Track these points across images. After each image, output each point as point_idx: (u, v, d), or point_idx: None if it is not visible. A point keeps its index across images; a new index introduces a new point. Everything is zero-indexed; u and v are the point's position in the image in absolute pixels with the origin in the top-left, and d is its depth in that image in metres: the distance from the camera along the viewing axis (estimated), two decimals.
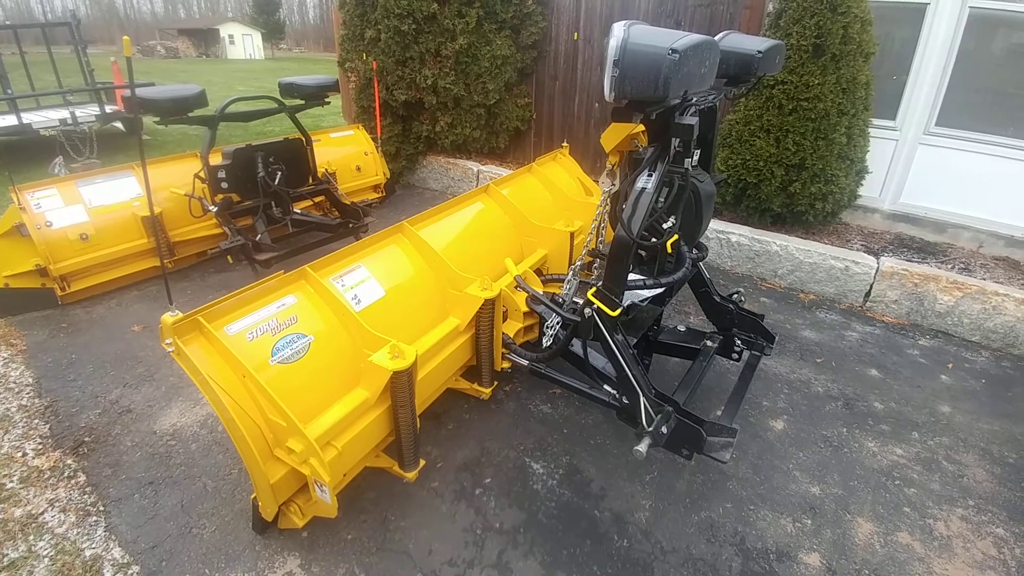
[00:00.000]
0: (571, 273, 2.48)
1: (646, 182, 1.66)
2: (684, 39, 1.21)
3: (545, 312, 2.51)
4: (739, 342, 2.53)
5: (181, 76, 19.09)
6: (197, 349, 1.58)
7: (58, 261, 3.14)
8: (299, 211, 4.28)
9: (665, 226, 2.10)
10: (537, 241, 3.07)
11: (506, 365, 2.50)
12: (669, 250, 2.09)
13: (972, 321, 3.23)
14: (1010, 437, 2.46)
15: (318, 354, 1.85)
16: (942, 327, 3.37)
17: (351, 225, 4.19)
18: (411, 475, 1.98)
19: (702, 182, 2.09)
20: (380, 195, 5.47)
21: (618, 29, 1.24)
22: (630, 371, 1.84)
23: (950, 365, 3.02)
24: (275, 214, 3.97)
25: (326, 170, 4.52)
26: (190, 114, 3.37)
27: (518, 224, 3.09)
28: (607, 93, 1.30)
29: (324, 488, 1.56)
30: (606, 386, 2.17)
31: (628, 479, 2.19)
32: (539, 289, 2.64)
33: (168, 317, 1.52)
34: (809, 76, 3.59)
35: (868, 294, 3.62)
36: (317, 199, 4.53)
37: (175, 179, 3.79)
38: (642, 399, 1.82)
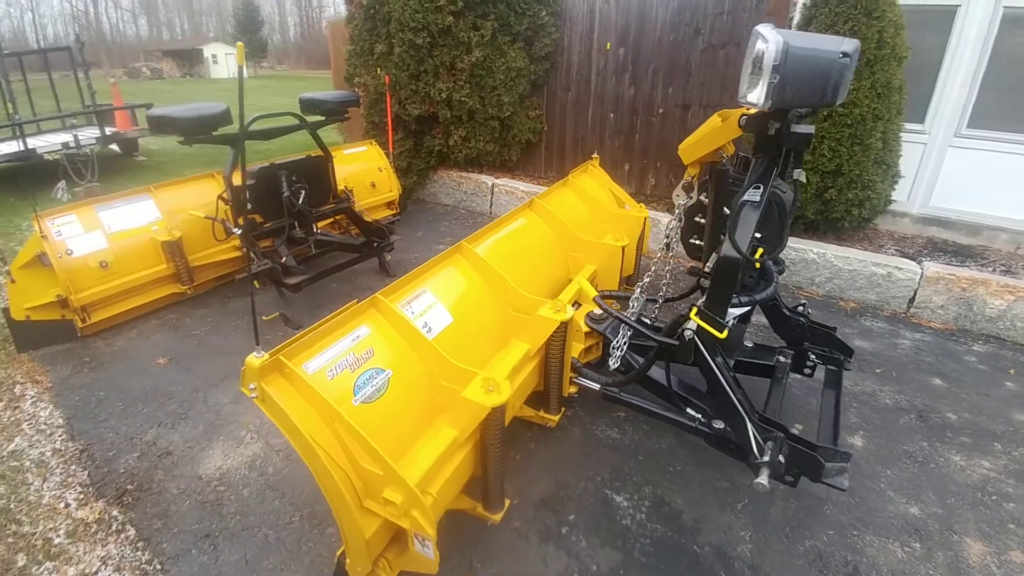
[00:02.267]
0: (638, 290, 2.37)
1: (754, 195, 1.56)
2: (847, 43, 1.12)
3: (611, 332, 2.40)
4: (812, 357, 2.43)
5: (168, 96, 18.82)
6: (279, 392, 1.42)
7: (79, 291, 2.96)
8: (321, 231, 4.13)
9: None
10: (585, 256, 2.96)
11: (573, 390, 2.37)
12: (756, 265, 1.99)
13: None
14: None
15: (398, 389, 1.70)
16: (993, 332, 3.32)
17: (376, 244, 4.05)
18: (496, 517, 1.84)
19: (784, 192, 2.00)
20: (395, 211, 5.33)
21: (770, 33, 1.14)
22: (734, 396, 1.72)
23: (1012, 371, 2.96)
24: (298, 235, 3.82)
25: (345, 187, 4.38)
26: (214, 133, 3.22)
27: (564, 239, 2.98)
28: (760, 101, 1.19)
29: (427, 543, 1.41)
30: (689, 410, 2.05)
31: (719, 508, 2.06)
32: (596, 308, 2.52)
33: (255, 360, 1.37)
34: None
35: (912, 300, 3.57)
36: (334, 219, 4.40)
37: (192, 201, 3.63)
38: (749, 426, 1.70)
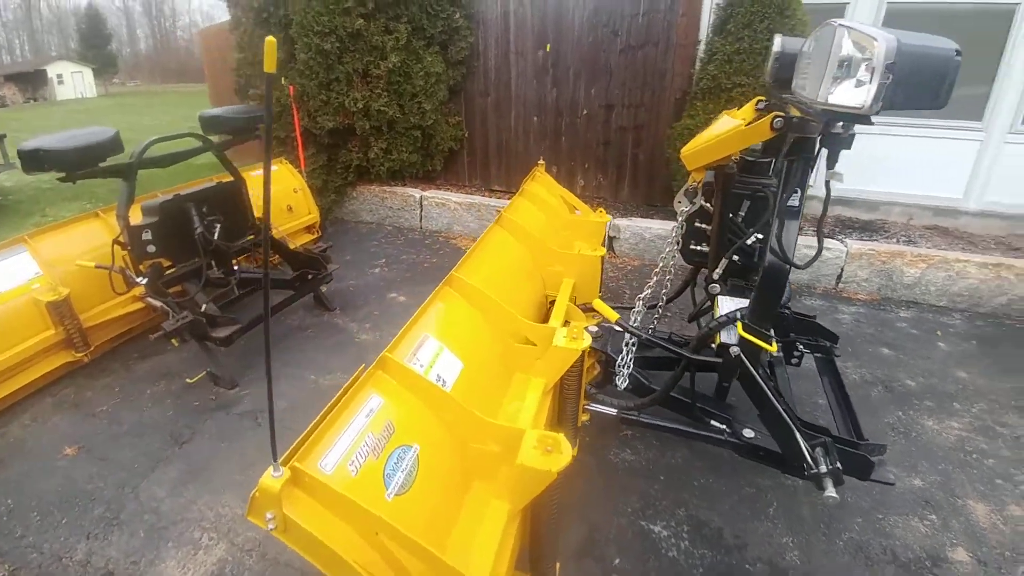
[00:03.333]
0: (639, 304, 2.26)
1: (794, 200, 1.50)
2: (947, 40, 1.06)
3: (613, 349, 2.26)
4: (800, 346, 2.50)
5: (15, 126, 15.60)
6: (305, 514, 1.07)
7: None
8: (242, 267, 3.55)
9: (749, 241, 1.99)
10: (563, 270, 2.81)
11: (585, 418, 2.20)
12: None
13: (938, 288, 3.61)
14: None
15: (429, 466, 1.40)
16: (911, 297, 3.73)
17: (312, 276, 3.56)
18: None
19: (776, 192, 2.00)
20: (316, 235, 4.80)
21: (876, 30, 1.04)
22: (781, 407, 1.66)
23: (939, 332, 3.33)
24: (216, 276, 3.22)
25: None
26: (102, 164, 2.60)
27: (537, 255, 2.80)
28: (867, 103, 1.09)
29: None
30: (714, 422, 1.98)
31: (753, 517, 2.01)
32: (590, 323, 2.38)
33: (273, 481, 1.01)
34: (761, 79, 3.79)
35: (840, 276, 3.90)
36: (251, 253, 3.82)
37: (77, 249, 2.97)
38: (799, 437, 1.65)
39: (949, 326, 3.40)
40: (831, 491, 1.55)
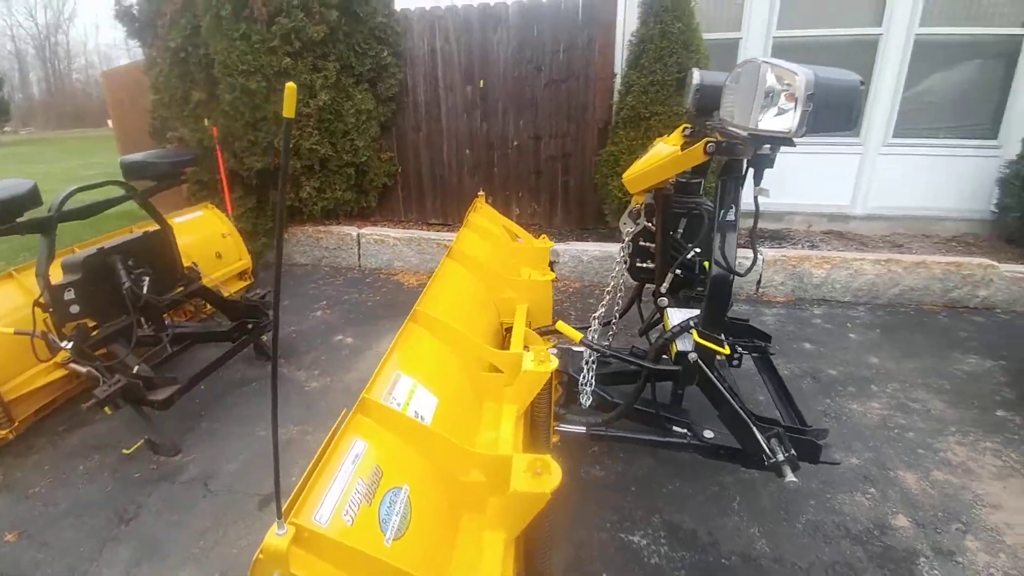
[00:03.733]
0: (595, 322, 2.37)
1: (729, 215, 1.67)
2: (852, 73, 1.26)
3: (574, 369, 2.34)
4: (739, 349, 2.71)
5: None
6: (306, 570, 1.02)
7: None
8: (176, 323, 3.29)
9: (689, 256, 2.17)
10: (516, 296, 2.88)
11: (555, 439, 2.23)
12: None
13: (842, 285, 4.07)
14: (930, 369, 3.13)
15: (421, 506, 1.37)
16: (820, 295, 4.16)
17: (252, 326, 3.37)
18: None
19: (709, 209, 2.21)
20: (249, 282, 4.56)
21: (796, 66, 1.22)
22: (737, 405, 1.80)
23: (849, 324, 3.73)
24: (147, 333, 2.97)
25: (194, 264, 3.59)
26: (19, 219, 2.35)
27: (490, 284, 2.86)
28: (793, 128, 1.26)
29: None
30: (675, 428, 2.10)
31: (721, 514, 2.13)
32: (548, 346, 2.46)
33: (278, 539, 0.95)
34: (676, 107, 4.17)
35: (759, 282, 4.29)
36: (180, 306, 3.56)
37: None
38: (756, 432, 1.79)
39: (856, 318, 3.83)
40: (791, 476, 1.69)
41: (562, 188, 5.42)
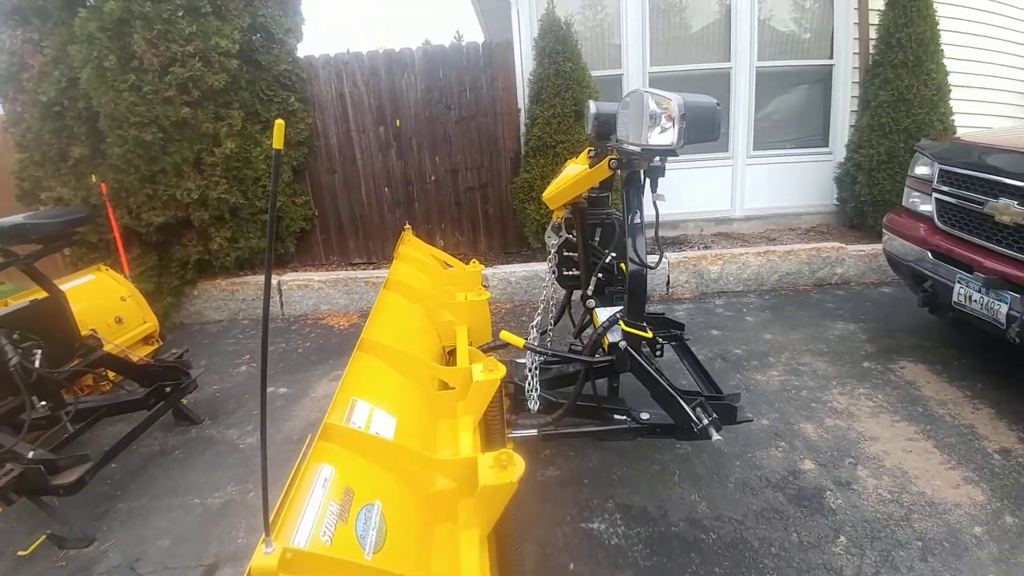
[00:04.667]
0: (534, 331, 2.55)
1: (636, 219, 1.95)
2: (709, 97, 1.57)
3: (519, 377, 2.49)
4: (659, 340, 3.03)
5: None
6: None
7: None
8: (78, 398, 2.97)
9: (607, 260, 2.44)
10: (455, 318, 2.99)
11: (509, 446, 2.35)
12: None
13: (734, 277, 4.65)
14: (811, 337, 3.68)
15: (394, 519, 1.42)
16: (718, 288, 4.72)
17: (169, 389, 3.12)
18: None
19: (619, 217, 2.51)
20: (157, 346, 4.22)
21: (669, 93, 1.51)
22: (664, 382, 2.05)
23: (744, 310, 4.27)
24: (41, 413, 2.66)
25: (93, 331, 3.29)
26: None
27: (429, 309, 2.95)
28: (675, 142, 1.53)
29: None
30: (616, 416, 2.31)
31: (666, 487, 2.36)
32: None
33: (267, 558, 0.97)
34: (577, 135, 4.61)
35: (668, 283, 4.77)
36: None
37: None
38: (683, 403, 2.04)
39: (749, 304, 4.39)
40: (716, 436, 1.95)
41: (483, 216, 5.66)
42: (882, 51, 4.92)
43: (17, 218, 2.87)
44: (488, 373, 2.05)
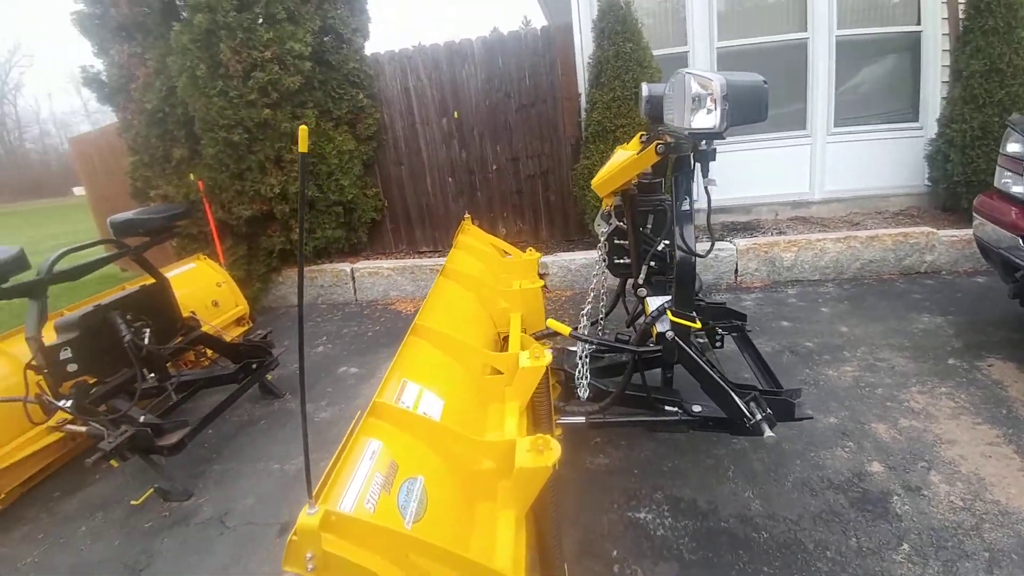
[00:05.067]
0: (584, 319, 2.56)
1: (685, 206, 1.89)
2: (757, 75, 1.50)
3: (569, 365, 2.51)
4: (719, 331, 2.91)
5: None
6: (343, 550, 1.16)
7: None
8: (180, 372, 3.40)
9: (660, 247, 2.39)
10: (509, 306, 3.06)
11: (557, 433, 2.39)
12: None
13: (810, 265, 4.34)
14: (892, 331, 3.38)
15: (436, 494, 1.53)
16: (792, 277, 4.42)
17: (255, 366, 3.48)
18: None
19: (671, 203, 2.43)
20: (247, 327, 4.68)
21: (711, 73, 1.47)
22: (715, 375, 1.99)
23: (819, 300, 3.98)
24: (150, 384, 3.07)
25: (193, 313, 3.71)
26: (4, 285, 2.46)
27: (482, 296, 3.04)
28: (717, 124, 1.49)
29: None
30: (667, 407, 2.28)
31: (718, 483, 2.30)
32: (545, 347, 2.63)
33: (310, 518, 1.09)
34: (637, 118, 4.47)
35: (737, 271, 4.54)
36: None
37: None
38: (735, 397, 1.98)
39: (826, 294, 4.09)
40: (769, 433, 1.88)
41: (544, 204, 5.68)
42: (971, 16, 4.35)
43: (128, 214, 3.30)
44: (534, 360, 2.10)
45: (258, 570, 2.14)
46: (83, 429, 2.62)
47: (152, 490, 2.62)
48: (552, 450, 1.56)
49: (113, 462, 2.54)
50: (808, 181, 5.32)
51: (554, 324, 2.14)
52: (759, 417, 1.91)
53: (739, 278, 4.53)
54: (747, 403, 1.99)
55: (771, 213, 5.34)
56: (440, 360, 2.16)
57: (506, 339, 2.82)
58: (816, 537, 1.96)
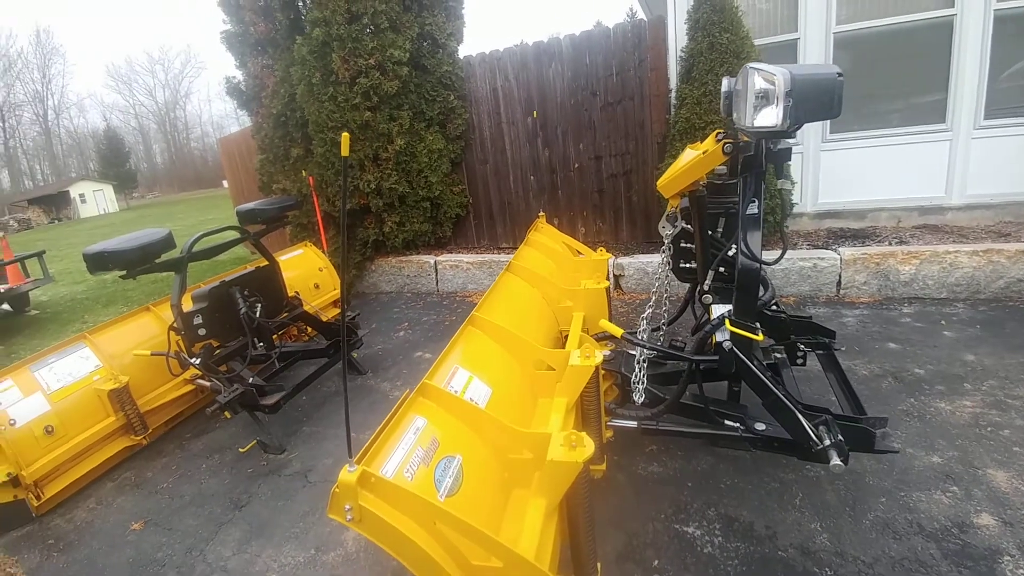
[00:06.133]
0: (643, 323, 2.49)
1: (753, 209, 1.77)
2: (832, 66, 1.37)
3: (626, 368, 2.46)
4: (801, 347, 2.66)
5: (39, 245, 17.06)
6: (377, 507, 1.28)
7: (30, 464, 2.58)
8: (283, 343, 3.87)
9: (730, 253, 2.24)
10: (573, 304, 3.06)
11: (609, 434, 2.36)
12: None
13: (935, 281, 3.76)
14: None
15: (472, 473, 1.61)
16: (911, 293, 3.87)
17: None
18: None
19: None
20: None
21: (774, 68, 1.38)
22: (780, 393, 1.84)
23: (943, 322, 3.44)
24: (259, 351, 3.54)
25: (297, 293, 4.19)
26: (157, 260, 2.99)
27: (548, 294, 3.07)
28: (779, 122, 1.40)
29: None
30: (727, 422, 2.14)
31: (781, 509, 2.11)
32: (604, 350, 2.59)
33: (350, 475, 1.23)
34: None
35: (839, 283, 4.07)
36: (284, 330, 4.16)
37: (132, 340, 3.32)
38: (800, 417, 1.81)
39: (952, 315, 3.52)
40: (836, 461, 1.69)
41: (625, 204, 5.54)
42: None
43: (251, 204, 3.81)
44: (584, 359, 2.09)
45: (328, 522, 2.42)
46: (208, 384, 3.13)
47: (255, 442, 3.06)
48: (585, 447, 1.56)
49: (227, 414, 3.02)
50: (944, 183, 4.60)
51: (607, 325, 2.11)
52: (827, 443, 1.73)
53: (842, 291, 4.06)
54: (816, 426, 1.80)
55: (892, 219, 4.69)
56: (494, 351, 2.24)
57: (567, 337, 2.83)
58: None
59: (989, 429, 2.38)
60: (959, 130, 4.47)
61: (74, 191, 40.43)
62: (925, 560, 1.80)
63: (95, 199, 40.99)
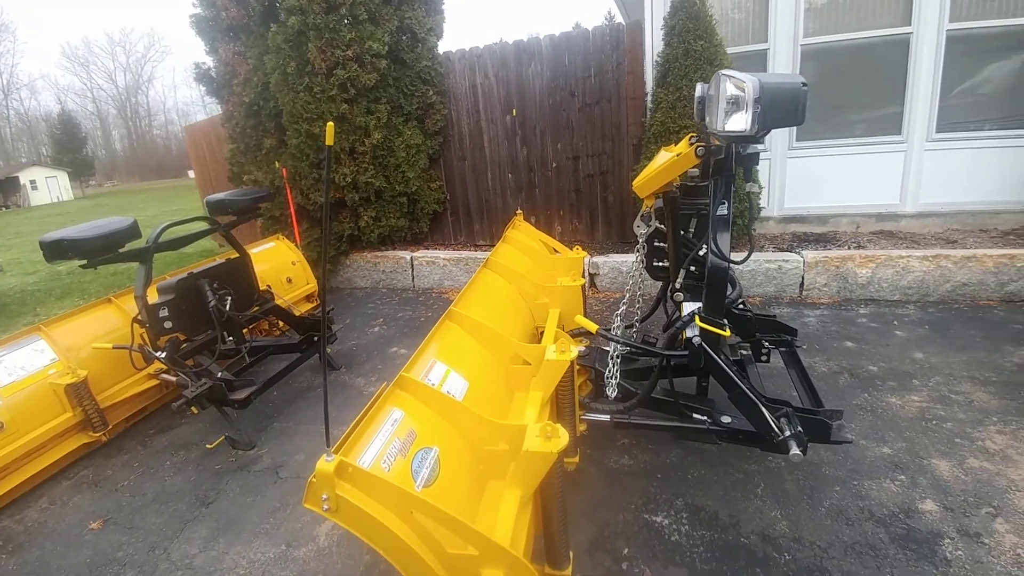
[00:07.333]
0: (617, 319, 2.55)
1: (723, 211, 1.85)
2: (800, 77, 1.45)
3: (600, 363, 2.52)
4: (765, 344, 2.78)
5: None
6: (354, 496, 1.29)
7: None
8: (253, 338, 3.79)
9: (701, 252, 2.32)
10: (549, 301, 3.11)
11: (583, 428, 2.42)
12: None
13: (889, 284, 3.97)
14: (978, 363, 3.03)
15: (449, 464, 1.63)
16: (867, 295, 4.08)
17: (316, 339, 3.80)
18: (566, 572, 1.78)
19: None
20: (316, 303, 5.07)
21: (744, 75, 1.44)
22: (745, 386, 1.92)
23: (895, 323, 3.65)
24: (229, 345, 3.46)
25: (269, 287, 4.11)
26: (121, 250, 2.88)
27: (524, 290, 3.11)
28: (747, 127, 1.46)
29: None
30: (695, 415, 2.23)
31: (745, 498, 2.21)
32: (579, 345, 2.65)
33: (327, 464, 1.24)
34: None
35: (802, 284, 4.26)
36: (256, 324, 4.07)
37: (92, 333, 3.19)
38: (764, 410, 1.90)
39: (904, 316, 3.73)
40: (795, 450, 1.79)
41: (602, 204, 5.64)
42: None
43: (220, 195, 3.72)
44: (560, 354, 2.14)
45: (300, 517, 2.39)
46: (173, 378, 3.04)
47: (223, 438, 2.99)
48: (559, 438, 1.60)
49: (193, 409, 2.93)
50: (899, 192, 4.86)
51: (583, 321, 2.16)
52: (788, 434, 1.83)
53: (804, 292, 4.25)
54: (777, 418, 1.90)
55: (851, 225, 4.93)
56: (471, 346, 2.26)
57: (543, 333, 2.88)
58: (845, 568, 1.84)
59: (934, 422, 2.55)
60: (913, 142, 4.73)
61: (24, 177, 38.33)
62: (875, 544, 1.92)
63: (48, 186, 39.00)
